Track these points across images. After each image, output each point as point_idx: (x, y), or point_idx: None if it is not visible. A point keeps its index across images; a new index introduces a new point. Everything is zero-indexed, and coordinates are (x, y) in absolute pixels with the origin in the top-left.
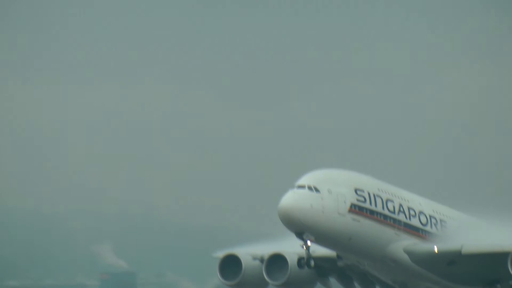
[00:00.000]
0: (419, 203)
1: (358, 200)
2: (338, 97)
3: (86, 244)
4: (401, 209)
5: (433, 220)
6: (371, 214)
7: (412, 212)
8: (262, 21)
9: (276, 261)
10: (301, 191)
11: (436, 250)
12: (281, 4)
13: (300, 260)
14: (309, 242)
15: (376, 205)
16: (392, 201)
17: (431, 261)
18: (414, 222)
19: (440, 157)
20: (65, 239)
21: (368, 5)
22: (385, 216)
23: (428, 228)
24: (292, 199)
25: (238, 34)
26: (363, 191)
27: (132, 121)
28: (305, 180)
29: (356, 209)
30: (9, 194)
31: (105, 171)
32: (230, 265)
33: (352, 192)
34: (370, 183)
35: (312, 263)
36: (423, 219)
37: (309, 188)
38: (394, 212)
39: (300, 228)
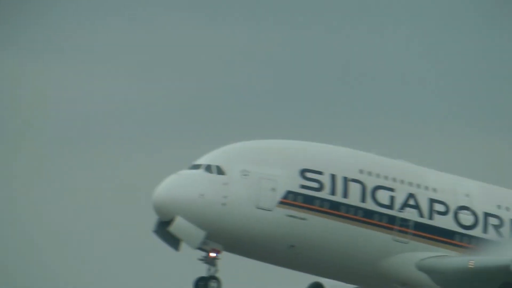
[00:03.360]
0: (465, 193)
1: (303, 186)
2: None
3: None
4: (414, 201)
5: (492, 221)
6: (334, 208)
7: (440, 208)
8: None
9: None
10: (191, 172)
11: (471, 265)
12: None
13: (197, 281)
14: (212, 253)
15: (346, 195)
16: (392, 189)
17: (467, 281)
18: (440, 222)
19: None
20: None
21: None
22: (369, 213)
23: (477, 232)
24: (170, 185)
25: None
26: (320, 173)
27: None
28: (208, 157)
29: (298, 201)
30: None
31: None
32: None
33: (293, 173)
34: (347, 159)
35: (215, 285)
36: (467, 219)
37: (207, 168)
38: (391, 207)
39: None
